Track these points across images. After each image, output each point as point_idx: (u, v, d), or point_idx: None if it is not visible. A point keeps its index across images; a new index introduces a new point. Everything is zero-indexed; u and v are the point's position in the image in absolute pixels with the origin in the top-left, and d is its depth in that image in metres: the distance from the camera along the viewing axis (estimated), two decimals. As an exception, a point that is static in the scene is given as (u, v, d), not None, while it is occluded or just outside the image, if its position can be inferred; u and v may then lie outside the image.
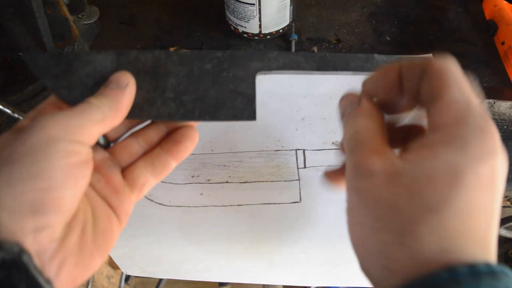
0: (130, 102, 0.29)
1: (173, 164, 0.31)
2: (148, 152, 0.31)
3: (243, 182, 0.41)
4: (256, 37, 0.53)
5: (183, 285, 1.10)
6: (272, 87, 0.48)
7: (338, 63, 0.33)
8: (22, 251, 0.21)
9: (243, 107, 0.32)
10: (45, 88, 0.45)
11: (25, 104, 0.44)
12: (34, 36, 0.42)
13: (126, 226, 0.39)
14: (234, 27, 0.54)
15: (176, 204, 0.40)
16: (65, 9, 0.42)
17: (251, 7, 0.49)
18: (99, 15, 0.55)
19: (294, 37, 0.53)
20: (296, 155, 0.43)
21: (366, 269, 0.23)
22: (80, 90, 0.31)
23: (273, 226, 0.39)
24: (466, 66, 0.51)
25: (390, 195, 0.21)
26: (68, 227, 0.24)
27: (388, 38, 0.54)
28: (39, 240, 0.22)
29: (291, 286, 0.44)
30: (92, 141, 0.26)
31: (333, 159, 0.42)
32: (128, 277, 0.61)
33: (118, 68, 0.32)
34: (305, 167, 0.42)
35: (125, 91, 0.28)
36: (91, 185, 0.28)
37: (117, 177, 0.29)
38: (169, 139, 0.31)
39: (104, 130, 0.27)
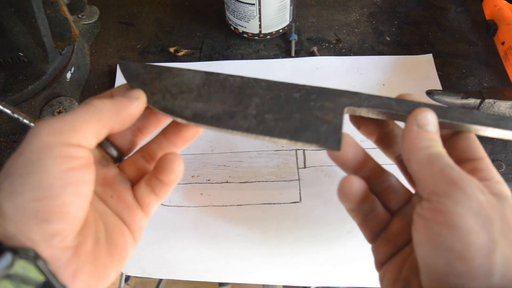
0: (135, 115, 0.28)
1: (169, 185, 0.30)
2: (149, 166, 0.31)
3: (243, 182, 0.41)
4: (256, 37, 0.53)
5: (183, 285, 1.10)
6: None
7: (436, 110, 0.29)
8: (37, 256, 0.21)
9: (328, 134, 0.30)
10: (45, 88, 0.45)
11: (25, 104, 0.44)
12: (34, 36, 0.42)
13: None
14: (234, 27, 0.54)
15: (176, 204, 0.40)
16: (65, 9, 0.42)
17: (251, 7, 0.49)
18: (99, 15, 0.55)
19: (294, 37, 0.53)
20: (296, 155, 0.43)
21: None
22: (163, 95, 0.31)
23: (273, 226, 0.39)
24: (466, 66, 0.51)
25: None
26: (81, 236, 0.24)
27: (388, 38, 0.54)
28: (52, 248, 0.22)
29: (291, 286, 0.44)
30: (91, 143, 0.25)
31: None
32: (128, 277, 0.61)
33: (205, 83, 0.32)
34: (305, 167, 0.42)
35: (132, 102, 0.28)
36: (104, 201, 0.28)
37: (128, 193, 0.29)
38: (156, 165, 0.30)
39: (103, 132, 0.26)
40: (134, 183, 0.30)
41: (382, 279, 0.28)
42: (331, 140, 0.30)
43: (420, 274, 0.24)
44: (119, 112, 0.27)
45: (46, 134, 0.23)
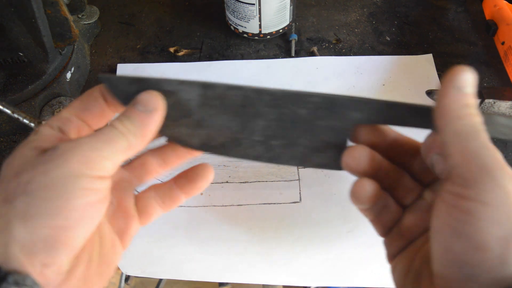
0: (157, 128, 0.26)
1: (183, 198, 0.30)
2: (161, 184, 0.30)
3: (243, 182, 0.41)
4: (256, 37, 0.53)
5: (183, 285, 1.10)
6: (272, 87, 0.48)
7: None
8: (34, 283, 0.21)
9: (335, 158, 0.30)
10: (45, 88, 0.45)
11: (25, 104, 0.44)
12: (34, 36, 0.42)
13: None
14: (234, 27, 0.54)
15: (176, 204, 0.40)
16: (65, 9, 0.42)
17: (251, 7, 0.49)
18: (99, 15, 0.55)
19: (294, 37, 0.53)
20: (296, 155, 0.43)
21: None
22: (165, 122, 0.28)
23: (273, 226, 0.39)
24: (466, 66, 0.51)
25: None
26: (76, 259, 0.23)
27: (388, 38, 0.54)
28: (46, 274, 0.22)
29: (291, 286, 0.44)
30: (114, 172, 0.24)
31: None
32: (128, 277, 0.61)
33: (204, 102, 0.29)
34: (305, 167, 0.42)
35: (152, 116, 0.25)
36: None
37: (130, 201, 0.28)
38: (183, 174, 0.30)
39: (127, 157, 0.25)
40: (139, 193, 0.30)
41: (393, 271, 0.28)
42: (336, 163, 0.30)
43: (433, 262, 0.23)
44: (140, 134, 0.25)
45: (76, 161, 0.23)
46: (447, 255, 0.22)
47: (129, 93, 0.27)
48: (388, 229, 0.29)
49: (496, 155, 0.22)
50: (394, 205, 0.29)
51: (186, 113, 0.29)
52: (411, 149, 0.29)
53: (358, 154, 0.28)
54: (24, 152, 0.24)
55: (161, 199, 0.30)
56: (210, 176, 0.30)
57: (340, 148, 0.30)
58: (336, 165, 0.30)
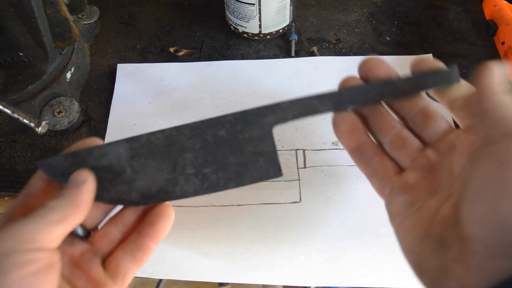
0: (90, 198, 0.27)
1: (153, 246, 0.30)
2: (126, 238, 0.30)
3: (243, 182, 0.41)
4: (256, 37, 0.53)
5: (183, 285, 1.10)
6: (272, 87, 0.48)
7: (356, 97, 0.31)
8: None
9: (267, 166, 0.31)
10: (45, 88, 0.45)
11: (25, 104, 0.44)
12: (34, 36, 0.42)
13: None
14: (234, 27, 0.54)
15: (176, 204, 0.40)
16: (65, 9, 0.42)
17: (251, 7, 0.49)
18: (99, 15, 0.55)
19: (294, 37, 0.53)
20: (296, 155, 0.43)
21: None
22: (102, 186, 0.30)
23: (273, 226, 0.39)
24: (466, 66, 0.51)
25: None
26: None
27: (388, 38, 0.54)
28: None
29: (291, 286, 0.44)
30: (54, 243, 0.24)
31: (333, 159, 0.42)
32: (128, 277, 0.61)
33: (132, 154, 0.31)
34: (305, 167, 0.42)
35: (82, 187, 0.27)
36: (72, 283, 0.27)
37: (97, 270, 0.28)
38: (145, 221, 0.30)
39: (67, 229, 0.25)
40: (106, 257, 0.29)
41: (403, 237, 0.27)
42: (272, 171, 0.31)
43: (469, 225, 0.21)
44: (74, 205, 0.26)
45: (5, 240, 0.23)
46: (492, 217, 0.20)
47: (65, 169, 0.29)
48: (384, 182, 0.29)
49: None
50: (388, 158, 0.29)
51: (120, 171, 0.31)
52: (413, 103, 0.29)
53: (344, 115, 0.30)
54: None
55: (131, 255, 0.29)
56: (170, 212, 0.30)
57: (269, 154, 0.31)
58: (273, 173, 0.31)
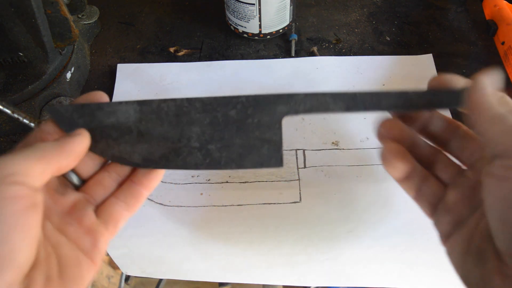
0: (80, 151, 0.28)
1: (145, 194, 0.31)
2: (120, 185, 0.31)
3: (243, 182, 0.41)
4: (256, 37, 0.53)
5: (183, 285, 1.10)
6: (272, 87, 0.48)
7: (369, 102, 0.31)
8: None
9: (270, 155, 0.31)
10: (45, 88, 0.45)
11: (25, 104, 0.44)
12: (34, 36, 0.42)
13: (126, 226, 0.39)
14: (234, 27, 0.54)
15: (176, 204, 0.40)
16: (65, 9, 0.42)
17: (251, 7, 0.49)
18: (99, 15, 0.55)
19: (294, 37, 0.53)
20: (296, 155, 0.43)
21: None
22: (106, 142, 0.31)
23: (273, 226, 0.39)
24: (466, 66, 0.51)
25: None
26: (28, 278, 0.23)
27: (388, 38, 0.54)
28: None
29: (291, 286, 0.44)
30: (37, 181, 0.24)
31: (333, 159, 0.42)
32: (128, 277, 0.61)
33: (141, 117, 0.31)
34: (305, 167, 0.42)
35: (74, 137, 0.28)
36: (62, 231, 0.27)
37: (90, 217, 0.28)
38: (139, 170, 0.31)
39: (47, 171, 0.25)
40: (99, 205, 0.30)
41: (450, 253, 0.28)
42: (274, 160, 0.31)
43: (495, 239, 0.23)
44: (62, 149, 0.27)
45: (6, 169, 0.23)
46: (506, 228, 0.21)
47: (73, 119, 0.30)
48: (433, 206, 0.30)
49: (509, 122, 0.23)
50: (435, 181, 0.30)
51: (126, 131, 0.31)
52: (450, 128, 0.31)
53: (390, 123, 0.31)
54: None
55: (124, 202, 0.30)
56: (157, 179, 0.31)
57: (274, 143, 0.31)
58: (275, 162, 0.31)
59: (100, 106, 0.31)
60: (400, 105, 0.31)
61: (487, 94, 0.24)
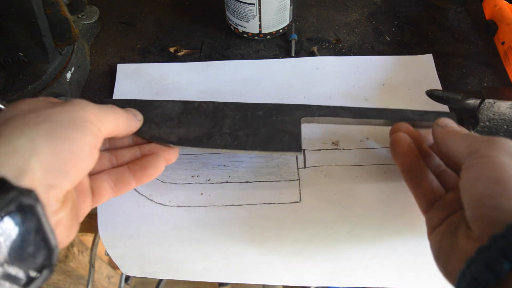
0: (134, 131, 0.35)
1: (133, 185, 0.34)
2: (115, 167, 0.35)
3: (243, 182, 0.41)
4: (256, 37, 0.53)
5: (183, 285, 1.10)
6: (272, 87, 0.48)
7: (372, 114, 0.39)
8: (37, 200, 0.23)
9: (290, 142, 0.37)
10: (45, 88, 0.45)
11: (25, 104, 0.44)
12: (34, 36, 0.42)
13: (126, 226, 0.39)
14: (234, 27, 0.54)
15: (176, 204, 0.40)
16: (65, 9, 0.42)
17: (251, 7, 0.49)
18: (99, 15, 0.55)
19: (294, 37, 0.53)
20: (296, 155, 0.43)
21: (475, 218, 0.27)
22: (149, 125, 0.37)
23: (273, 226, 0.39)
24: (466, 66, 0.51)
25: None
26: (66, 196, 0.27)
27: (388, 38, 0.54)
28: (49, 195, 0.25)
29: (291, 286, 0.44)
30: (104, 133, 0.30)
31: (333, 159, 0.42)
32: (128, 277, 0.61)
33: (183, 111, 0.38)
34: (305, 167, 0.42)
35: (137, 121, 0.36)
36: None
37: (85, 180, 0.32)
38: (137, 162, 0.35)
39: (112, 129, 0.31)
40: (91, 175, 0.33)
41: (432, 241, 0.32)
42: (293, 146, 0.37)
43: (466, 212, 0.27)
44: (129, 123, 0.34)
45: (89, 112, 0.29)
46: (473, 197, 0.27)
47: (123, 107, 0.35)
48: (429, 204, 0.33)
49: (470, 137, 0.31)
50: (438, 184, 0.34)
51: (168, 119, 0.38)
52: None
53: (404, 125, 0.38)
54: (32, 100, 0.29)
55: (114, 182, 0.33)
56: (161, 166, 0.35)
57: (294, 134, 0.37)
58: (294, 147, 0.37)
59: (150, 101, 0.38)
60: (397, 119, 0.38)
61: (454, 126, 0.35)
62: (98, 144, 0.29)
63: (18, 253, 0.22)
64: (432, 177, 0.34)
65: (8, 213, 0.22)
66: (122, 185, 0.34)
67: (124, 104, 0.36)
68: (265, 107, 0.39)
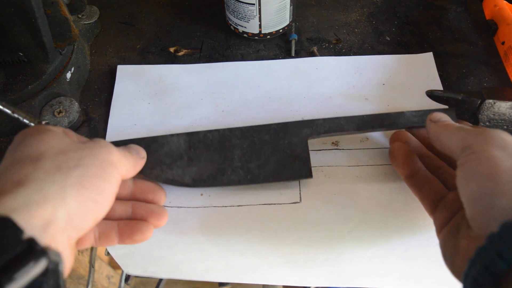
0: (139, 170, 0.35)
1: (115, 243, 0.34)
2: (104, 219, 0.33)
3: (243, 182, 0.41)
4: (256, 37, 0.53)
5: (183, 285, 1.10)
6: (272, 87, 0.48)
7: (375, 122, 0.39)
8: (61, 261, 0.23)
9: (300, 168, 0.38)
10: (45, 88, 0.45)
11: (25, 104, 0.44)
12: (34, 36, 0.42)
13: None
14: (234, 27, 0.54)
15: (177, 205, 0.40)
16: (65, 9, 0.42)
17: (251, 7, 0.49)
18: (99, 15, 0.55)
19: (294, 37, 0.53)
20: (296, 155, 0.43)
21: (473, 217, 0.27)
22: (160, 168, 0.37)
23: (273, 227, 0.39)
24: (466, 66, 0.51)
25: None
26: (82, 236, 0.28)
27: (388, 38, 0.54)
28: (65, 246, 0.25)
29: (291, 286, 0.44)
30: (122, 174, 0.31)
31: (333, 159, 0.42)
32: (128, 277, 0.61)
33: (190, 146, 0.38)
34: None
35: (142, 160, 0.36)
36: None
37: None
38: (128, 223, 0.34)
39: (125, 172, 0.32)
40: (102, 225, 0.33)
41: (441, 241, 0.32)
42: (304, 172, 0.38)
43: (465, 210, 0.27)
44: (135, 164, 0.34)
45: (115, 156, 0.30)
46: (468, 195, 0.27)
47: None
48: (434, 205, 0.34)
49: (462, 131, 0.30)
50: (438, 183, 0.35)
51: (178, 158, 0.37)
52: None
53: (401, 133, 0.39)
54: (59, 133, 0.29)
55: (99, 234, 0.32)
56: (148, 235, 0.35)
57: (303, 158, 0.38)
58: (305, 174, 0.38)
59: (154, 138, 0.38)
60: (400, 124, 0.39)
61: (447, 120, 0.34)
62: (118, 187, 0.29)
63: None
64: (433, 179, 0.35)
65: (36, 279, 0.21)
66: (104, 239, 0.33)
67: (129, 143, 0.36)
68: (271, 129, 0.39)
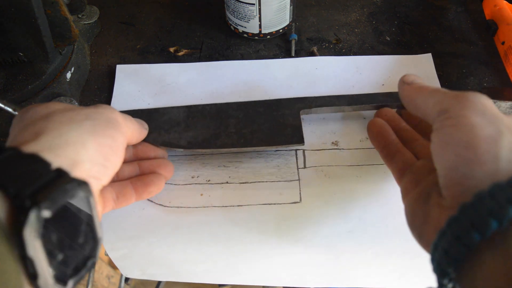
0: (142, 139, 0.37)
1: (134, 199, 0.36)
2: (115, 181, 0.36)
3: (243, 183, 0.41)
4: (256, 37, 0.53)
5: (183, 286, 1.10)
6: (272, 87, 0.48)
7: (365, 99, 0.41)
8: (91, 192, 0.25)
9: (292, 134, 0.39)
10: (45, 88, 0.45)
11: (25, 104, 0.44)
12: (34, 36, 0.42)
13: (126, 227, 0.39)
14: (234, 27, 0.54)
15: (176, 205, 0.40)
16: (65, 9, 0.42)
17: (251, 7, 0.49)
18: (99, 15, 0.55)
19: (294, 37, 0.53)
20: (296, 155, 0.43)
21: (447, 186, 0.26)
22: (158, 132, 0.39)
23: (273, 227, 0.39)
24: (466, 66, 0.51)
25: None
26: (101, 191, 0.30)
27: (388, 38, 0.54)
28: (93, 188, 0.26)
29: (291, 286, 0.44)
30: (126, 137, 0.33)
31: (333, 159, 0.42)
32: (128, 278, 0.61)
33: (189, 115, 0.41)
34: (305, 167, 0.42)
35: (145, 130, 0.38)
36: None
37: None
38: (140, 178, 0.36)
39: (129, 137, 0.34)
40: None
41: (406, 205, 0.31)
42: (296, 138, 0.39)
43: (438, 179, 0.26)
44: (140, 131, 0.36)
45: (118, 115, 0.32)
46: (444, 164, 0.26)
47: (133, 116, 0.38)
48: (401, 172, 0.33)
49: (439, 93, 0.29)
50: (409, 154, 0.35)
51: (176, 124, 0.40)
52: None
53: (383, 110, 0.40)
54: (61, 103, 0.31)
55: (116, 195, 0.35)
56: (162, 184, 0.37)
57: (295, 126, 0.39)
58: (296, 139, 0.39)
59: (156, 109, 0.41)
60: (389, 101, 0.41)
61: (422, 82, 0.32)
62: (126, 145, 0.31)
63: (69, 243, 0.23)
64: (404, 150, 0.35)
65: (66, 204, 0.22)
66: (123, 198, 0.35)
67: (132, 114, 0.37)
68: (265, 104, 0.41)
